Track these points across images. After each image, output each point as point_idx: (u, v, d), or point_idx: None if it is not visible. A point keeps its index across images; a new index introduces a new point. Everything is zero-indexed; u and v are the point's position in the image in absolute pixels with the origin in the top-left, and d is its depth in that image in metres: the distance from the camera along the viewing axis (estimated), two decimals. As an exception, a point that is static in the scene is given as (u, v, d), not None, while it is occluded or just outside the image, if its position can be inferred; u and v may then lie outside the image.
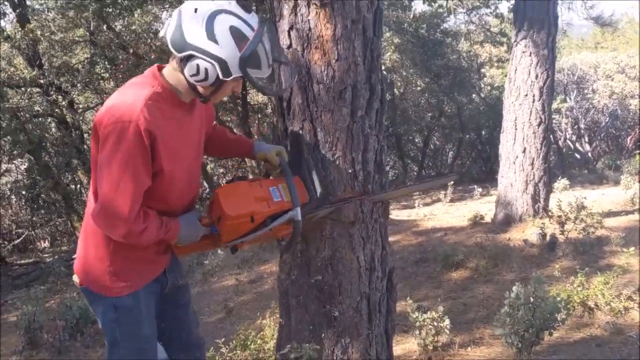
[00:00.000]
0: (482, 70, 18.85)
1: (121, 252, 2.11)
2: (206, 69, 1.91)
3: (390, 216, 9.82)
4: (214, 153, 2.60)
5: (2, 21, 11.19)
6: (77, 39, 11.80)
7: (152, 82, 2.01)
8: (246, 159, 12.93)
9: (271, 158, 2.36)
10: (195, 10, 1.89)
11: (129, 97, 1.94)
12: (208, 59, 1.89)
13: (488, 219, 8.07)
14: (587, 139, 18.48)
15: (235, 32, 1.89)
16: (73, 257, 2.34)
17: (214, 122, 2.48)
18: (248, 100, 12.43)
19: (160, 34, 2.00)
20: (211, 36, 1.87)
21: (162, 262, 2.27)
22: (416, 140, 20.23)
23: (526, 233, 6.88)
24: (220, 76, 1.92)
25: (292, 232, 2.25)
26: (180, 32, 1.89)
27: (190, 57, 1.91)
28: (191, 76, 1.94)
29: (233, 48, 1.89)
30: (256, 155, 2.40)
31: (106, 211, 1.95)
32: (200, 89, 2.01)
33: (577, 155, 18.18)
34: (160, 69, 2.06)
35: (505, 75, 8.64)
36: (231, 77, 1.94)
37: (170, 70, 2.01)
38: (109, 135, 1.89)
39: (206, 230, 2.23)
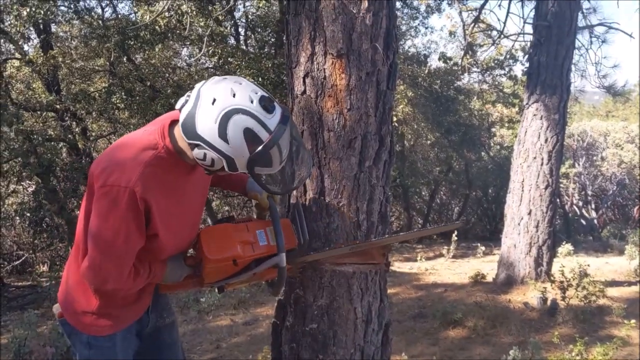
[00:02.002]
0: (493, 129, 19.01)
1: (106, 294, 2.08)
2: (212, 159, 1.86)
3: (392, 268, 9.77)
4: None
5: (25, 45, 11.43)
6: (97, 68, 12.03)
7: (158, 143, 1.94)
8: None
9: (261, 199, 2.33)
10: (214, 101, 1.81)
11: (129, 158, 1.88)
12: (215, 153, 1.84)
13: (489, 278, 8.00)
14: (593, 206, 18.47)
15: (249, 135, 1.81)
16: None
17: None
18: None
19: (177, 106, 1.90)
20: (222, 135, 1.81)
21: (145, 302, 2.24)
22: (423, 193, 20.26)
23: (527, 296, 6.82)
24: (226, 169, 1.89)
25: (277, 277, 2.21)
26: (193, 120, 1.83)
27: (198, 145, 1.85)
28: (197, 159, 1.90)
29: (243, 149, 1.83)
30: (248, 193, 2.37)
31: (95, 273, 1.94)
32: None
33: (583, 222, 18.11)
34: (173, 122, 1.97)
35: (515, 136, 8.69)
36: (237, 172, 1.91)
37: (180, 134, 1.91)
38: (103, 197, 1.85)
39: (190, 270, 2.20)
